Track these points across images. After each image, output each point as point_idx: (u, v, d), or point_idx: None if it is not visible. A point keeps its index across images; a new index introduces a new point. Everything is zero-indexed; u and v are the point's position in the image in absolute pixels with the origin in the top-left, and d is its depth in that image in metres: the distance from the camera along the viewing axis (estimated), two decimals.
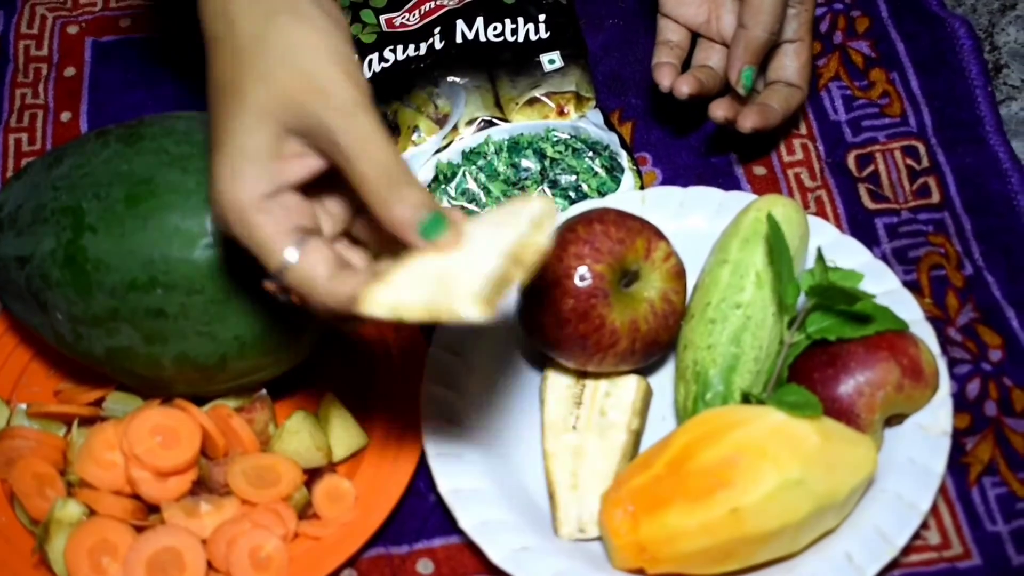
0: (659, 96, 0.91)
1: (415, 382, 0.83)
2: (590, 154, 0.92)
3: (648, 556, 0.74)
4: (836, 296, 0.76)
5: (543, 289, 0.78)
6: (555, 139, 0.93)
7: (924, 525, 0.79)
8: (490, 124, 0.93)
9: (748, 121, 0.88)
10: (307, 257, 0.63)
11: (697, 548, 0.73)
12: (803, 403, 0.74)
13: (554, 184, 0.91)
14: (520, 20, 0.98)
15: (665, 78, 0.90)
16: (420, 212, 0.62)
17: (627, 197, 0.90)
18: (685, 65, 0.93)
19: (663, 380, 0.85)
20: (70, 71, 1.05)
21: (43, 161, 0.80)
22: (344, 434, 0.82)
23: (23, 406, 0.84)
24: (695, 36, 0.95)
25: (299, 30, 0.64)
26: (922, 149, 0.95)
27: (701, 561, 0.74)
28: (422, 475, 0.82)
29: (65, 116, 1.02)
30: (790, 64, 0.91)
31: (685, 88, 0.89)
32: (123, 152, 0.77)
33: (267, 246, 0.63)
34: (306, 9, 0.64)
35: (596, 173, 0.92)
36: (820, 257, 0.79)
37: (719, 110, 0.89)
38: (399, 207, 0.61)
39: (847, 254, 0.86)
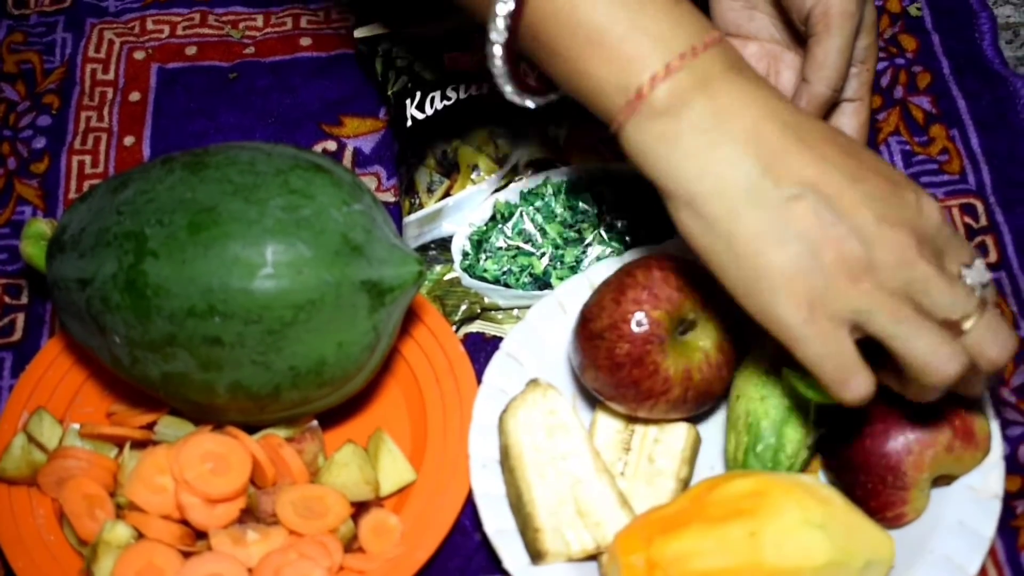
0: None
1: (465, 420, 0.83)
2: (648, 198, 0.92)
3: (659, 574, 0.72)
4: None
5: (599, 332, 0.78)
6: (613, 182, 0.93)
7: None
8: (550, 165, 0.93)
9: None
10: None
11: (711, 567, 0.71)
12: (810, 383, 0.72)
13: (611, 228, 0.91)
14: None
15: None
16: None
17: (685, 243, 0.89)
18: None
19: (712, 429, 0.85)
20: (135, 96, 1.06)
21: (107, 185, 0.81)
22: (392, 469, 0.82)
23: (76, 426, 0.84)
24: None
25: None
26: (980, 207, 0.95)
27: None
28: (468, 513, 0.82)
29: (128, 140, 1.03)
30: (848, 123, 0.90)
31: None
32: (187, 180, 0.77)
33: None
34: None
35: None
36: None
37: None
38: None
39: None
